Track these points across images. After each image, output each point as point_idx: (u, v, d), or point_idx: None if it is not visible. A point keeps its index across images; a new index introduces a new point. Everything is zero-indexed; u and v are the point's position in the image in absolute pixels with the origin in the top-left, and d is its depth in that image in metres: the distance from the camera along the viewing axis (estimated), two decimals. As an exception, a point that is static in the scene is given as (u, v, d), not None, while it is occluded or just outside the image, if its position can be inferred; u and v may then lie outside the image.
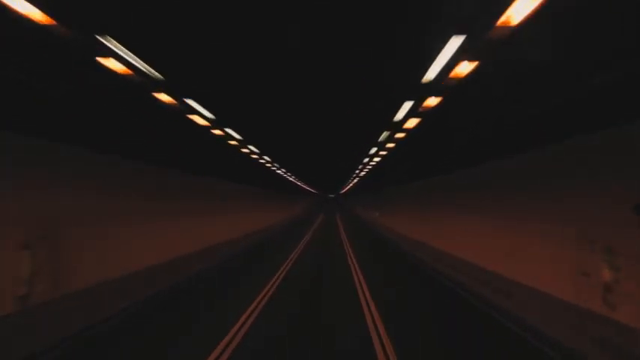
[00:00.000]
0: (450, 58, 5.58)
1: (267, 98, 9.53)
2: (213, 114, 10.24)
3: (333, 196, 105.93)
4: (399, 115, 9.66)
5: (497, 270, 10.72)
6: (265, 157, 19.13)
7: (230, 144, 14.68)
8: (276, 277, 14.09)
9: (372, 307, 9.89)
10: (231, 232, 23.84)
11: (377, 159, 18.50)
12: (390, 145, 14.17)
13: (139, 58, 5.82)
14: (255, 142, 15.31)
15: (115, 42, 5.13)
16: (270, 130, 13.49)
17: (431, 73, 6.44)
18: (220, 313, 9.64)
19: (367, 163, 20.51)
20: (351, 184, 39.96)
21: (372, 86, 7.95)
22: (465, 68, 6.01)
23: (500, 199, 11.08)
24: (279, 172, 25.84)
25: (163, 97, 7.82)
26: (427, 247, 19.47)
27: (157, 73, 6.57)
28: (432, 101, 7.98)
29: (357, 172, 26.30)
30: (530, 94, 6.76)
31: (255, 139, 14.90)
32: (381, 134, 12.90)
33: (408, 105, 8.74)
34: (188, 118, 9.56)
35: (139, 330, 8.35)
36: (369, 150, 16.48)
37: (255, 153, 17.20)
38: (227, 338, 7.69)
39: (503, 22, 4.25)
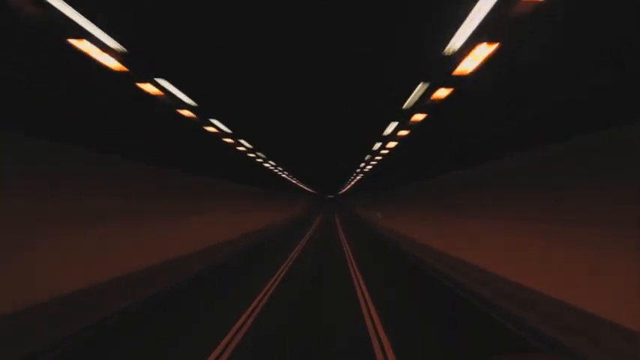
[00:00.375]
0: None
1: (269, 100, 9.51)
2: (252, 144, 10.51)
3: (332, 196, 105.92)
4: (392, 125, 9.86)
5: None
6: (263, 156, 19.06)
7: (236, 149, 14.63)
8: (275, 276, 14.10)
9: (373, 310, 9.87)
10: (231, 232, 23.82)
11: (376, 161, 18.30)
12: (392, 144, 13.69)
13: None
14: (255, 142, 15.25)
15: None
16: (271, 131, 13.42)
17: (388, 131, 6.92)
18: (220, 313, 9.64)
19: (367, 163, 20.12)
20: (350, 185, 39.83)
21: (372, 86, 7.92)
22: (403, 132, 7.73)
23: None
24: (278, 172, 25.82)
25: (186, 113, 8.97)
26: (427, 248, 19.42)
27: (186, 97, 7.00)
28: (419, 117, 8.80)
29: (357, 172, 26.04)
30: (527, 95, 6.77)
31: (258, 141, 14.84)
32: (381, 134, 12.73)
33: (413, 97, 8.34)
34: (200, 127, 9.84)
35: (139, 330, 8.34)
36: (370, 150, 16.20)
37: (255, 153, 17.20)
38: (227, 338, 7.69)
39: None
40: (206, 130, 11.46)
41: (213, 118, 10.06)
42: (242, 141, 14.16)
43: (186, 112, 8.87)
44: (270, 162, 20.86)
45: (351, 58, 6.37)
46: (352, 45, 5.91)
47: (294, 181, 36.82)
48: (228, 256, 19.12)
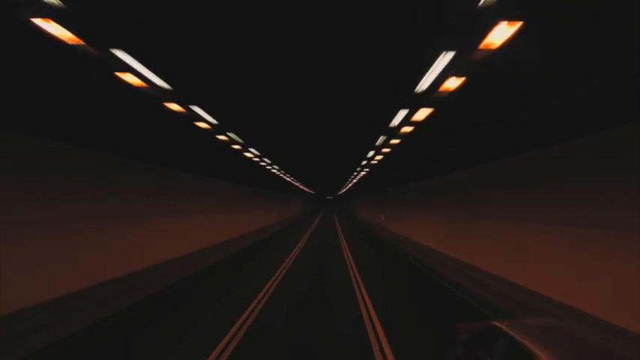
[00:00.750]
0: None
1: (270, 102, 8.92)
2: (217, 119, 9.44)
3: (331, 197, 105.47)
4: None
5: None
6: (265, 160, 18.55)
7: (244, 154, 13.67)
8: (270, 283, 13.65)
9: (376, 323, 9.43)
10: (230, 232, 23.34)
11: (389, 147, 14.32)
12: (424, 111, 9.81)
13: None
14: (257, 145, 14.60)
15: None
16: (272, 134, 12.74)
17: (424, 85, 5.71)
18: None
19: (377, 152, 16.38)
20: (351, 183, 39.06)
21: (373, 81, 7.41)
22: (452, 83, 5.53)
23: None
24: (276, 172, 25.32)
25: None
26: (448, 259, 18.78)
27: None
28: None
29: (361, 167, 22.99)
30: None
31: (256, 143, 14.06)
32: (390, 122, 10.10)
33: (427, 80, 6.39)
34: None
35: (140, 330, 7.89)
36: (384, 128, 13.66)
37: (256, 155, 16.72)
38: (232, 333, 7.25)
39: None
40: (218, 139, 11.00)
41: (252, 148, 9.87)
42: (252, 149, 13.52)
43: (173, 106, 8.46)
44: (267, 161, 20.35)
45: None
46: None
47: (292, 182, 36.35)
48: (217, 261, 18.62)
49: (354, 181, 33.61)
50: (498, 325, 5.33)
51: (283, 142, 14.57)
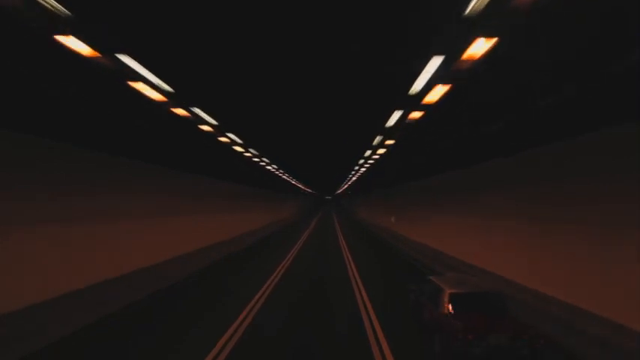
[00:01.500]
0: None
1: (270, 104, 8.91)
2: (217, 120, 9.38)
3: (330, 197, 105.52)
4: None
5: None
6: (264, 159, 18.53)
7: (253, 160, 13.75)
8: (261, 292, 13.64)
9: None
10: (230, 232, 23.35)
11: (399, 132, 11.77)
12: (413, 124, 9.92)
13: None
14: (256, 146, 14.56)
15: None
16: (272, 134, 12.69)
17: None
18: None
19: (367, 160, 16.41)
20: (352, 180, 38.72)
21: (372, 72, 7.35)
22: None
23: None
24: (275, 171, 25.30)
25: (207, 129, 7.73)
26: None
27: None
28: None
29: (365, 159, 20.09)
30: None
31: (256, 143, 13.97)
32: (391, 114, 9.51)
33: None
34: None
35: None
36: (372, 142, 13.81)
37: (255, 155, 16.72)
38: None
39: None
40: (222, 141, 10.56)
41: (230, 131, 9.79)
42: (251, 149, 13.38)
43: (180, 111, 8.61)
44: (266, 161, 20.34)
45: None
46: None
47: (288, 180, 36.32)
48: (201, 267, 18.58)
49: (355, 178, 33.52)
50: (430, 277, 8.76)
51: (282, 142, 14.71)
